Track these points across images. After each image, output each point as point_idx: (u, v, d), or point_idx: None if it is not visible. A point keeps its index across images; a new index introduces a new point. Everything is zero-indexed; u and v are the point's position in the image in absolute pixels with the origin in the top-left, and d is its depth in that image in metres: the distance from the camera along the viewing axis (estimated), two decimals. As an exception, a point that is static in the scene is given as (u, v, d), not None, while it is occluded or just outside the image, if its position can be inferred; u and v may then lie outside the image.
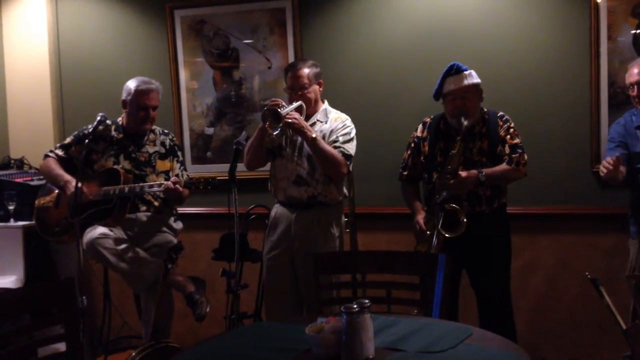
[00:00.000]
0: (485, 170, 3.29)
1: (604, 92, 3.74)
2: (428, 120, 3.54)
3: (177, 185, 3.43)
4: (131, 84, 3.62)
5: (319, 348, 1.97)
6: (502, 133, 3.37)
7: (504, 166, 3.33)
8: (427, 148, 3.48)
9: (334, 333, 1.95)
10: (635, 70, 3.29)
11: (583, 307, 3.80)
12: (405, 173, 3.59)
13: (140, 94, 3.58)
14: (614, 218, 3.57)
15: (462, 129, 3.28)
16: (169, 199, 3.58)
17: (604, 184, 3.58)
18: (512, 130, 3.37)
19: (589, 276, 2.82)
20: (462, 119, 3.27)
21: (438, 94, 3.43)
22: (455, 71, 3.34)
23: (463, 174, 3.26)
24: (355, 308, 1.92)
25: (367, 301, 1.96)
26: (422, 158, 3.51)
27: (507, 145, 3.35)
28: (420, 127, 3.55)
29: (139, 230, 3.59)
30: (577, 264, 3.81)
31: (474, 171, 3.29)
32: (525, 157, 3.36)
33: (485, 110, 3.45)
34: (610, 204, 3.63)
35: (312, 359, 1.98)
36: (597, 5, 3.71)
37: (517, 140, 3.36)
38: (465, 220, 3.23)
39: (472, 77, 3.34)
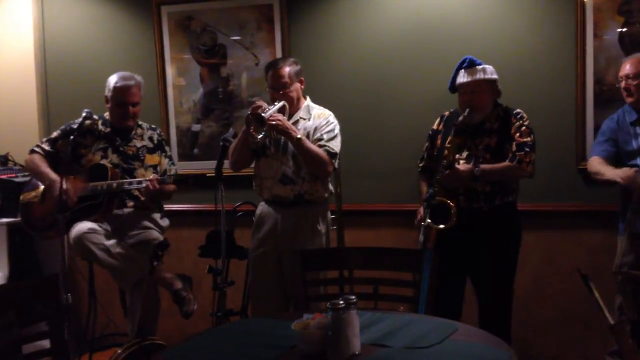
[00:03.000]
0: (483, 166, 3.20)
1: (589, 89, 3.76)
2: (447, 113, 3.50)
3: (156, 183, 3.39)
4: (111, 80, 3.60)
5: (305, 344, 1.97)
6: (512, 131, 3.29)
7: (505, 163, 3.24)
8: (439, 141, 3.44)
9: (320, 329, 1.95)
10: (627, 64, 3.32)
11: (569, 303, 3.83)
12: (421, 164, 3.56)
13: (118, 91, 3.56)
14: (599, 215, 3.60)
15: (457, 123, 3.23)
16: (148, 198, 3.55)
17: (589, 181, 3.60)
18: (523, 128, 3.28)
19: (581, 272, 2.81)
20: (465, 112, 3.21)
21: (453, 86, 3.39)
22: (467, 64, 3.30)
23: (459, 167, 3.21)
24: (341, 304, 1.92)
25: (353, 297, 1.96)
26: (435, 151, 3.46)
27: (514, 143, 3.26)
28: (438, 120, 3.51)
29: (125, 227, 3.58)
30: (562, 260, 3.84)
31: (469, 165, 3.22)
32: (533, 156, 3.26)
33: (504, 106, 3.38)
34: (595, 201, 3.65)
35: (298, 355, 1.98)
36: (583, 3, 3.73)
37: (527, 139, 3.26)
38: (454, 212, 3.16)
39: (485, 73, 3.28)
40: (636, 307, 2.99)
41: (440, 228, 3.18)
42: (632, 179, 3.09)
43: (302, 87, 3.46)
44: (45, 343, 2.27)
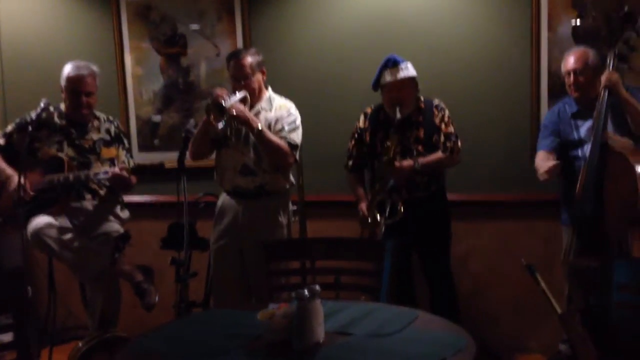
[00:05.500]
0: (421, 160, 3.42)
1: (544, 81, 3.84)
2: (369, 110, 3.65)
3: (124, 172, 3.39)
4: (65, 70, 3.55)
5: (271, 333, 2.01)
6: (437, 121, 3.49)
7: (438, 154, 3.47)
8: (368, 138, 3.59)
9: (285, 318, 1.99)
10: (572, 59, 3.39)
11: (524, 292, 3.91)
12: (351, 163, 3.70)
13: (71, 80, 3.52)
14: (552, 204, 3.70)
15: (395, 122, 3.39)
16: (115, 186, 3.53)
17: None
18: (446, 118, 3.50)
19: (524, 262, 2.94)
20: (397, 112, 3.38)
21: (376, 85, 3.53)
22: (392, 64, 3.45)
23: (398, 164, 3.39)
24: (306, 294, 1.96)
25: (317, 287, 2.00)
26: (364, 148, 3.61)
27: (442, 134, 3.48)
28: (362, 117, 3.66)
29: (84, 219, 3.54)
30: (517, 250, 3.90)
31: (410, 161, 3.41)
32: (460, 144, 3.49)
33: (422, 99, 3.55)
34: (549, 191, 3.75)
35: (264, 344, 2.02)
36: (538, -5, 3.82)
37: (451, 129, 3.50)
38: (402, 208, 3.38)
39: (408, 70, 3.45)
40: (584, 295, 3.10)
41: (389, 222, 3.40)
42: (552, 173, 3.26)
43: (264, 78, 3.46)
44: (5, 337, 2.25)
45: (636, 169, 3.00)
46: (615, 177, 3.13)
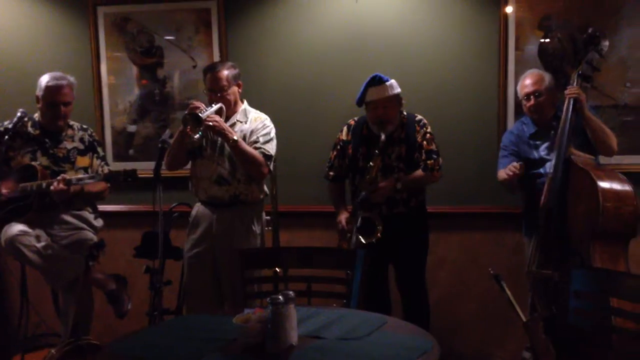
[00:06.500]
0: (402, 179, 3.48)
1: (510, 99, 3.97)
2: (352, 122, 3.68)
3: (62, 185, 3.36)
4: (43, 80, 3.57)
5: (246, 337, 2.06)
6: (419, 138, 3.53)
7: (419, 172, 3.52)
8: (350, 151, 3.63)
9: (260, 322, 2.05)
10: (528, 82, 3.49)
11: (491, 301, 4.01)
12: (332, 173, 3.72)
13: (50, 90, 3.54)
14: (517, 217, 3.81)
15: (380, 144, 3.42)
16: (57, 201, 3.47)
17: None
18: (428, 135, 3.54)
19: (491, 272, 3.04)
20: (381, 135, 3.42)
21: (361, 102, 3.56)
22: (377, 82, 3.47)
23: (381, 184, 3.44)
24: (280, 299, 2.02)
25: (291, 293, 2.07)
26: (346, 160, 3.66)
27: (423, 151, 3.52)
28: (345, 129, 3.68)
29: (58, 227, 3.56)
30: (484, 260, 4.01)
31: (391, 180, 3.47)
32: (440, 161, 3.55)
33: (405, 114, 3.60)
34: (515, 204, 3.86)
35: (239, 347, 2.07)
36: (506, 17, 3.94)
37: (432, 146, 3.54)
38: (380, 228, 3.40)
39: (393, 88, 3.48)
40: (547, 304, 3.20)
41: (365, 242, 3.41)
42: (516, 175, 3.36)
43: (240, 90, 3.53)
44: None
45: (598, 184, 3.09)
46: (577, 192, 3.22)
